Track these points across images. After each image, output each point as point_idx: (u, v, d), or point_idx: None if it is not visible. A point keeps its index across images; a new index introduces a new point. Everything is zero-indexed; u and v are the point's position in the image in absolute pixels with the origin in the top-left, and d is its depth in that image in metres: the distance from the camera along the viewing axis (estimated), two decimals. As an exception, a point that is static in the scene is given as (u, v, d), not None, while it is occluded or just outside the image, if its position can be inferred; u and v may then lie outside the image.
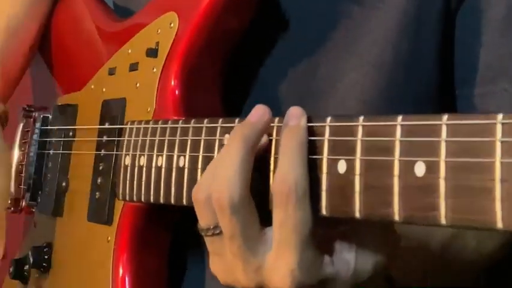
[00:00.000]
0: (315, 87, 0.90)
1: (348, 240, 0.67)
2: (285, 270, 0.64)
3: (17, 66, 1.17)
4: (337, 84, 0.89)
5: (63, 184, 1.09)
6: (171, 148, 0.82)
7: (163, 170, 0.83)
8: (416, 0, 0.86)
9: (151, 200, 0.85)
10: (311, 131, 0.65)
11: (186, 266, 0.98)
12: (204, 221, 0.70)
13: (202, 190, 0.69)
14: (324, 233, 0.66)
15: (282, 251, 0.64)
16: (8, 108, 1.12)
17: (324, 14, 0.90)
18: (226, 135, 0.75)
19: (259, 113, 0.69)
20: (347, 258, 0.67)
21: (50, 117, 1.16)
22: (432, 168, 0.54)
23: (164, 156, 0.83)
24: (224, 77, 0.92)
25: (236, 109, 0.92)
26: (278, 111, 0.90)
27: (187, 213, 0.93)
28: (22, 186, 1.21)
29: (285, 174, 0.63)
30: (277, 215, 0.64)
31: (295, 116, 0.66)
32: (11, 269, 1.15)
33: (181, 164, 0.81)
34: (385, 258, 0.67)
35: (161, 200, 0.84)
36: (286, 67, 0.91)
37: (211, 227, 0.69)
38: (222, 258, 0.70)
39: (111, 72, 1.03)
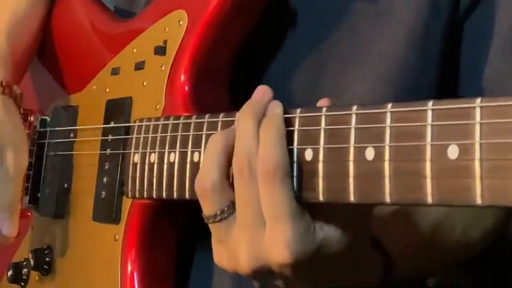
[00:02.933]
0: (319, 95, 0.91)
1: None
2: (281, 242, 0.67)
3: (25, 49, 1.17)
4: (342, 94, 0.90)
5: (65, 185, 1.09)
6: (184, 144, 0.83)
7: (176, 165, 0.84)
8: (424, 14, 0.88)
9: (164, 195, 0.86)
10: (335, 119, 0.66)
11: (192, 262, 0.98)
12: (209, 208, 0.73)
13: (207, 177, 0.72)
14: None
15: (275, 225, 0.68)
16: (20, 90, 1.11)
17: (332, 25, 0.92)
18: None
19: (261, 91, 0.74)
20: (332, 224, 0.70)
21: (48, 119, 1.16)
22: (466, 150, 0.55)
23: (177, 152, 0.84)
24: (233, 76, 0.93)
25: None
26: None
27: (195, 212, 0.95)
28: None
29: (268, 154, 0.68)
30: (264, 191, 0.68)
31: (272, 106, 0.72)
32: (9, 273, 1.14)
33: (195, 159, 0.81)
34: (349, 238, 0.70)
35: (174, 196, 0.84)
36: (292, 73, 0.93)
37: (218, 212, 0.72)
38: (226, 243, 0.73)
39: (115, 72, 1.03)
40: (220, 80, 0.92)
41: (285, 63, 0.93)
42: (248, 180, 0.69)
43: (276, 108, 0.72)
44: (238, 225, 0.71)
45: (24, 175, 1.08)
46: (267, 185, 0.68)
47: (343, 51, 0.90)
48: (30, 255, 1.10)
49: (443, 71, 0.89)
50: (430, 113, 0.58)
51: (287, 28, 0.93)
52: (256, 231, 0.70)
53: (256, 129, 0.70)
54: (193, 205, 0.86)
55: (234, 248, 0.72)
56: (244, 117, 0.72)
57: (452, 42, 0.89)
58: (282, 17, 0.93)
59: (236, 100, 0.92)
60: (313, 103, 0.90)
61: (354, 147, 0.64)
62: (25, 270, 1.13)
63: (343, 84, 0.90)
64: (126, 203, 0.95)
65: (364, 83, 0.89)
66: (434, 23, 0.88)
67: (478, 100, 0.55)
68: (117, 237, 0.95)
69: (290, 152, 0.69)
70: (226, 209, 0.72)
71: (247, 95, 0.88)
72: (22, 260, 1.14)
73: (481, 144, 0.54)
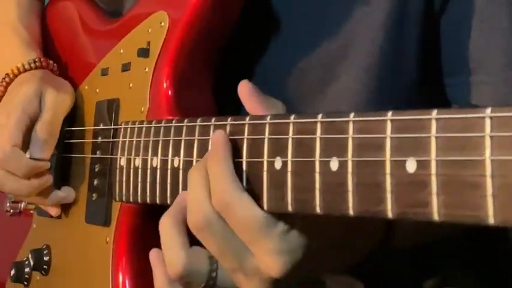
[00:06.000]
0: (304, 91, 0.91)
1: None
2: (270, 254, 0.68)
3: (38, 33, 1.18)
4: (327, 89, 0.90)
5: (61, 186, 1.09)
6: (165, 148, 0.82)
7: (158, 170, 0.83)
8: (400, 0, 0.87)
9: (148, 200, 0.85)
10: (302, 128, 0.64)
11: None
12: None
13: (176, 267, 0.74)
14: None
15: (257, 245, 0.69)
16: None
17: (314, 20, 0.91)
18: None
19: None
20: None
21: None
22: (423, 164, 0.54)
23: (159, 156, 0.83)
24: (218, 77, 0.92)
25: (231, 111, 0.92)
26: None
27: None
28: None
29: (220, 190, 0.69)
30: (232, 223, 0.69)
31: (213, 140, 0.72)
32: (12, 273, 1.15)
33: (176, 164, 0.80)
34: None
35: (157, 201, 0.83)
36: (276, 72, 0.93)
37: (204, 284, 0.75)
38: None
39: (104, 72, 1.02)
40: (204, 82, 0.90)
41: (270, 62, 0.93)
42: (212, 232, 0.70)
43: (218, 140, 0.71)
44: (230, 271, 0.71)
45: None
46: (230, 217, 0.68)
47: (326, 46, 0.90)
48: (29, 255, 1.11)
49: (424, 54, 0.89)
50: (389, 123, 0.57)
51: (271, 28, 0.92)
52: (246, 264, 0.69)
53: (202, 179, 0.71)
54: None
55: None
56: (190, 179, 0.73)
57: (432, 24, 0.89)
58: (265, 18, 0.92)
59: (221, 101, 0.92)
60: (300, 100, 0.90)
61: (320, 156, 0.62)
62: (27, 269, 1.14)
63: (328, 79, 0.90)
64: (116, 206, 0.94)
65: (349, 74, 0.89)
66: (410, 8, 0.87)
67: (434, 112, 0.53)
68: (108, 239, 0.95)
69: (260, 160, 0.68)
70: (208, 274, 0.73)
71: (233, 96, 0.88)
72: (24, 259, 1.14)
73: (436, 157, 0.53)
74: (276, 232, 0.67)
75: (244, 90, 0.76)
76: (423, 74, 0.89)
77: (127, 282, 0.92)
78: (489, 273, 1.00)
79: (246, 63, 0.93)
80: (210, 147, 0.72)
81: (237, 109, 0.92)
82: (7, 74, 1.07)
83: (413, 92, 0.90)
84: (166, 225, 0.75)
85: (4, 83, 1.07)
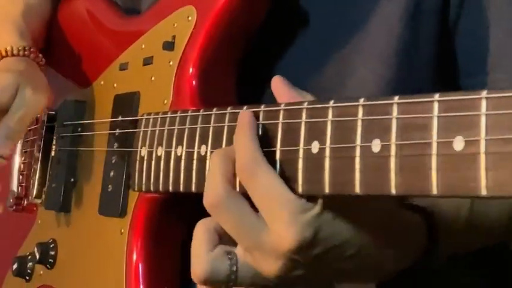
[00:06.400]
0: (324, 84, 0.92)
1: None
2: (284, 226, 0.69)
3: (39, 31, 1.20)
4: (346, 81, 0.92)
5: (72, 180, 1.09)
6: (191, 136, 0.83)
7: (183, 158, 0.84)
8: None
9: (170, 188, 0.86)
10: (342, 112, 0.66)
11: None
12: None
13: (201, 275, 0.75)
14: None
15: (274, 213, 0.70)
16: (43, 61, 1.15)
17: (332, 13, 0.93)
18: None
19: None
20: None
21: (56, 114, 1.16)
22: (471, 142, 0.56)
23: (184, 144, 0.84)
24: (240, 71, 0.94)
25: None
26: None
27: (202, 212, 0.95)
28: (24, 184, 1.21)
29: (242, 156, 0.72)
30: (252, 187, 0.71)
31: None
32: (14, 267, 1.15)
33: (203, 152, 0.81)
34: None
35: (181, 188, 0.84)
36: (296, 65, 0.94)
37: (226, 279, 0.75)
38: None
39: (123, 67, 1.04)
40: (228, 75, 0.92)
41: (289, 56, 0.94)
42: (226, 208, 0.72)
43: (244, 117, 0.74)
44: (247, 251, 0.73)
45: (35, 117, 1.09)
46: (251, 183, 0.70)
47: (343, 39, 0.92)
48: (35, 249, 1.11)
49: (439, 50, 0.91)
50: (436, 104, 0.59)
51: (290, 23, 0.94)
52: (262, 238, 0.70)
53: (220, 162, 0.73)
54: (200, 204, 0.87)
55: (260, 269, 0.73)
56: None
57: (447, 21, 0.90)
58: (284, 15, 0.94)
59: (243, 95, 0.93)
60: (319, 92, 0.92)
61: (361, 139, 0.64)
62: (30, 264, 1.14)
63: (346, 72, 0.92)
64: (133, 196, 0.95)
65: (366, 66, 0.91)
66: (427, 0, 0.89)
67: (484, 92, 0.56)
68: (122, 230, 0.95)
69: (296, 145, 0.69)
70: (229, 268, 0.74)
71: (254, 90, 0.89)
72: (27, 254, 1.14)
73: (486, 134, 0.55)
74: (293, 205, 0.69)
75: (278, 83, 0.78)
76: (438, 71, 0.91)
77: (141, 270, 0.93)
78: (489, 273, 1.02)
79: (264, 61, 0.95)
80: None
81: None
82: None
83: (429, 82, 0.92)
84: (198, 232, 0.77)
85: None
